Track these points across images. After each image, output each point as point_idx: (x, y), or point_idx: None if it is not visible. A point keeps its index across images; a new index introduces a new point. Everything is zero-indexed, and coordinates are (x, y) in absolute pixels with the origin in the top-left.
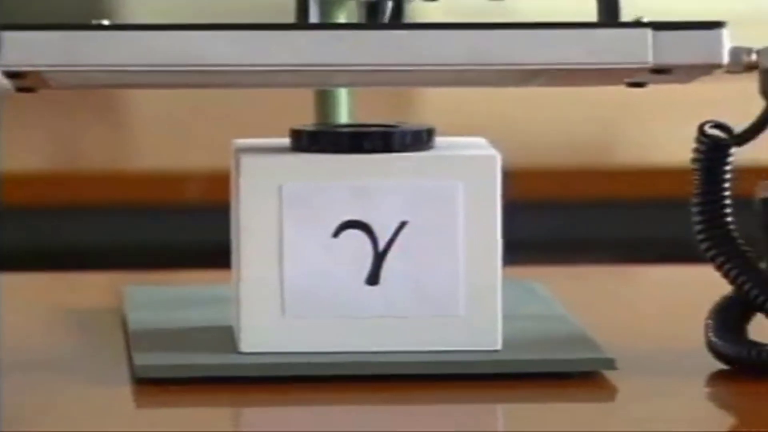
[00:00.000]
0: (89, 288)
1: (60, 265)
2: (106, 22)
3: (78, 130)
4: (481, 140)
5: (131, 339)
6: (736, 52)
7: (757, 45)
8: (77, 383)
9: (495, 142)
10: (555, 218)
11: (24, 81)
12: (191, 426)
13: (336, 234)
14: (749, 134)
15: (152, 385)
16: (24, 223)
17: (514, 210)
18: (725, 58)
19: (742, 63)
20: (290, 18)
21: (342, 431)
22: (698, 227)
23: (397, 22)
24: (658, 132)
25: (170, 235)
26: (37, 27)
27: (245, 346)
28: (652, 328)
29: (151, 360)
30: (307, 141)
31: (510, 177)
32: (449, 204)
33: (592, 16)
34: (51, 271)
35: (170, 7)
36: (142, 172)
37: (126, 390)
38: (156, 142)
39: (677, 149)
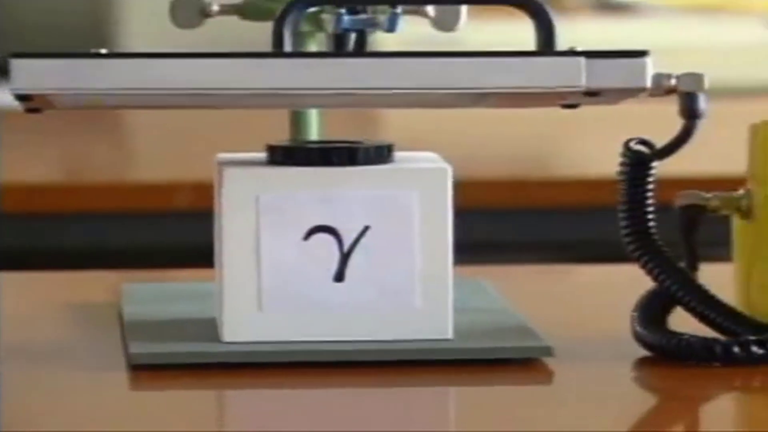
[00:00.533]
0: (91, 285)
1: (66, 265)
2: (103, 51)
3: (83, 147)
4: (434, 155)
5: (127, 330)
6: (658, 77)
7: (677, 71)
8: (78, 369)
9: (447, 157)
10: (500, 223)
11: (31, 103)
12: (180, 406)
13: (306, 237)
14: (669, 150)
15: (145, 370)
16: (33, 227)
17: (465, 215)
18: (648, 83)
19: (663, 87)
20: (268, 47)
21: (312, 411)
22: (625, 231)
23: (360, 51)
24: (591, 147)
25: (162, 238)
26: (42, 55)
27: (227, 336)
28: (585, 320)
29: (144, 348)
30: (281, 155)
31: (461, 186)
32: (406, 211)
33: (532, 45)
34: (58, 270)
35: (163, 37)
36: (139, 183)
37: (122, 375)
38: (150, 157)
39: (607, 162)
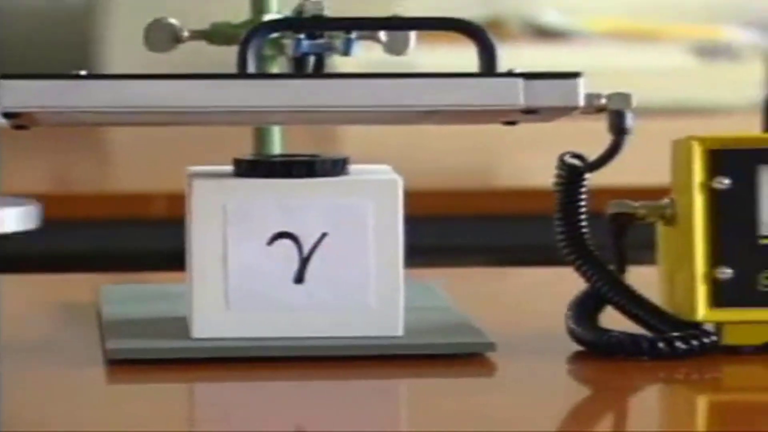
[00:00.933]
0: (73, 287)
1: (50, 268)
2: (83, 72)
3: (68, 161)
4: (386, 167)
5: (104, 328)
6: (589, 97)
7: (607, 92)
8: (59, 363)
9: (399, 169)
10: (448, 229)
11: (18, 120)
12: (153, 398)
13: (269, 242)
14: (600, 163)
15: (121, 365)
16: (23, 235)
17: (415, 222)
18: (581, 102)
19: (594, 106)
20: (234, 70)
21: (274, 402)
22: (560, 237)
23: (318, 73)
24: (529, 160)
25: (139, 244)
26: (28, 76)
27: (196, 332)
28: (524, 318)
29: (120, 344)
30: (246, 168)
31: (412, 196)
32: (360, 219)
33: (475, 68)
34: (43, 273)
35: (142, 60)
36: (118, 193)
37: (99, 369)
38: (129, 169)
39: (544, 174)
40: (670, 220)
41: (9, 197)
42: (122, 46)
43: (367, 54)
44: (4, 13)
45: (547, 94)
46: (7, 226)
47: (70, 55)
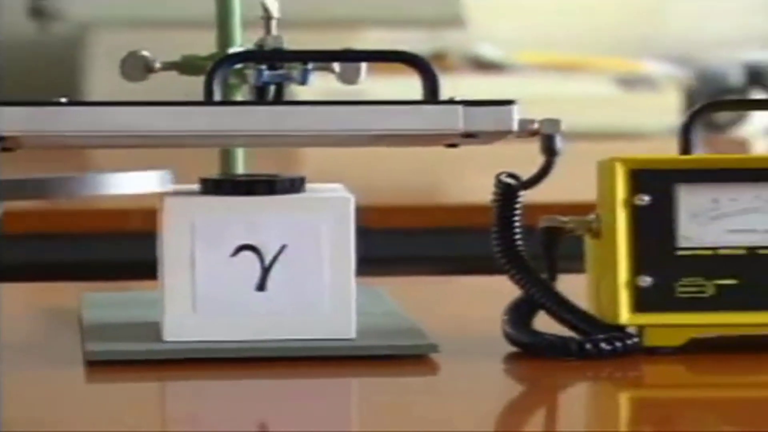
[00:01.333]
0: (57, 294)
1: (35, 277)
2: (64, 99)
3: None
4: (340, 186)
5: (84, 331)
6: (523, 122)
7: (539, 117)
8: (42, 363)
9: (353, 187)
10: (396, 241)
11: (4, 143)
12: (127, 395)
13: (234, 254)
14: (533, 181)
15: (99, 365)
16: (10, 245)
17: (367, 235)
18: (515, 127)
19: (527, 130)
20: (201, 97)
21: (238, 398)
22: (497, 249)
23: (278, 100)
24: (470, 179)
25: (118, 255)
26: (12, 103)
27: (167, 336)
28: (465, 322)
29: (98, 347)
30: (212, 187)
31: (364, 211)
32: (316, 232)
33: (420, 96)
34: (29, 281)
35: (120, 87)
36: (99, 209)
37: (79, 370)
38: None
39: (483, 192)
40: (596, 233)
41: None
42: (103, 75)
43: (322, 83)
44: None
45: (484, 119)
46: None
47: (58, 82)
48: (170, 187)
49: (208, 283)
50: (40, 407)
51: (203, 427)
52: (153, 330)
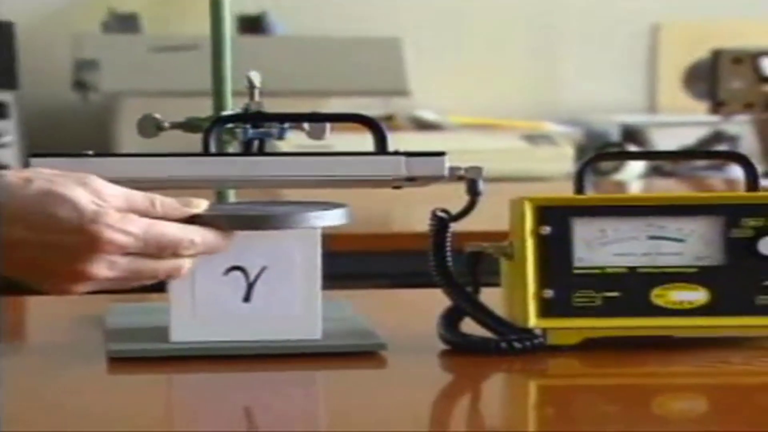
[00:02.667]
0: (90, 305)
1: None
2: (91, 152)
3: None
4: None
5: (107, 334)
6: (452, 169)
7: (465, 165)
8: (72, 360)
9: None
10: (357, 261)
11: None
12: (141, 385)
13: (225, 273)
14: (460, 215)
15: (118, 361)
16: None
17: (333, 256)
18: (446, 173)
19: (456, 175)
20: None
21: (228, 387)
22: (432, 268)
23: (261, 152)
24: (413, 213)
25: None
26: (50, 155)
27: (173, 337)
28: (408, 325)
29: (118, 346)
30: None
31: (330, 238)
32: (290, 255)
33: (373, 149)
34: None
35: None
36: None
37: (102, 365)
38: None
39: (422, 223)
40: (509, 256)
41: None
42: (130, 135)
43: (295, 139)
44: (46, 106)
45: (422, 167)
46: None
47: (97, 141)
48: None
49: (205, 295)
50: (68, 395)
51: (201, 408)
52: (162, 333)
